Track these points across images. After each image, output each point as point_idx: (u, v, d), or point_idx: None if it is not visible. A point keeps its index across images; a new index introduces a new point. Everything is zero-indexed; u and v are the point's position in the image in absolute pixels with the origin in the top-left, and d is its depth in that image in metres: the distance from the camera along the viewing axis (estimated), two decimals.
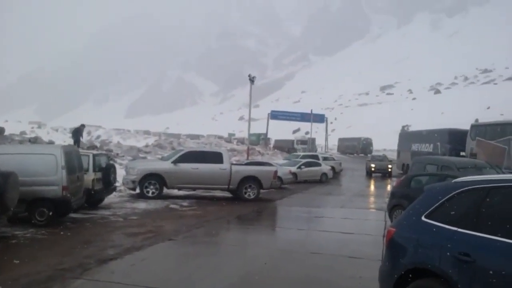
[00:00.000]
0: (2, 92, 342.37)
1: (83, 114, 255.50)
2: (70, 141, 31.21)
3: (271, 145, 62.77)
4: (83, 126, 23.62)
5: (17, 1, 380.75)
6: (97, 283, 6.20)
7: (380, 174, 32.89)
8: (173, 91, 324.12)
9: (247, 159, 31.46)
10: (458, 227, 3.92)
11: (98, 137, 74.89)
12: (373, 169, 32.58)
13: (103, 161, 13.84)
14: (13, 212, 9.05)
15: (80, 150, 13.35)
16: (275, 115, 62.70)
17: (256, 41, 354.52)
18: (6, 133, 24.48)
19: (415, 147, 32.40)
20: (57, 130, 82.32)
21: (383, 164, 33.43)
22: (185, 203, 14.78)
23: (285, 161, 28.42)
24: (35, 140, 23.83)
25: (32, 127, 76.57)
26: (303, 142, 60.52)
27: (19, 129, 48.12)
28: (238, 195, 16.44)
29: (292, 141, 61.89)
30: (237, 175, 16.33)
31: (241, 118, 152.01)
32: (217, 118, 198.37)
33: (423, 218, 4.31)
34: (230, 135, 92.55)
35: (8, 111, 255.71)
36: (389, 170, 32.81)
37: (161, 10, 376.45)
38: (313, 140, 60.62)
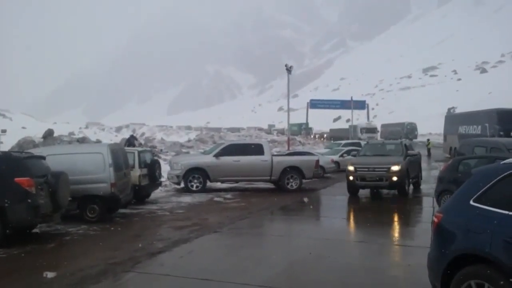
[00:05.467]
0: (51, 95, 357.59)
1: (128, 113, 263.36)
2: (116, 139, 32.27)
3: (313, 135, 62.03)
4: (132, 136, 24.51)
5: (58, 7, 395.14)
6: (147, 275, 6.40)
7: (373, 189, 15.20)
8: (212, 86, 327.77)
9: (288, 149, 31.32)
10: (510, 211, 3.77)
11: (143, 134, 76.87)
12: (351, 177, 14.31)
13: (148, 158, 14.21)
14: (66, 210, 9.45)
15: (125, 148, 13.74)
16: (314, 104, 62.14)
17: (292, 30, 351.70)
18: (55, 134, 25.62)
19: (462, 129, 31.20)
20: (103, 130, 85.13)
21: (379, 161, 14.44)
22: (228, 196, 14.97)
23: (327, 150, 28.12)
24: (83, 140, 24.80)
25: (80, 128, 79.57)
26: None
27: (67, 130, 50.15)
28: (281, 186, 16.43)
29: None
30: (278, 166, 16.30)
31: (280, 109, 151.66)
32: (256, 110, 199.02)
33: (471, 202, 4.17)
34: (270, 126, 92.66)
35: (58, 113, 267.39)
36: (394, 179, 13.63)
37: (195, 5, 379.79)
38: (355, 127, 59.44)
